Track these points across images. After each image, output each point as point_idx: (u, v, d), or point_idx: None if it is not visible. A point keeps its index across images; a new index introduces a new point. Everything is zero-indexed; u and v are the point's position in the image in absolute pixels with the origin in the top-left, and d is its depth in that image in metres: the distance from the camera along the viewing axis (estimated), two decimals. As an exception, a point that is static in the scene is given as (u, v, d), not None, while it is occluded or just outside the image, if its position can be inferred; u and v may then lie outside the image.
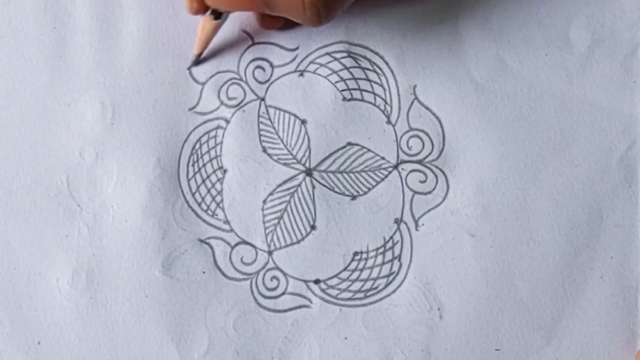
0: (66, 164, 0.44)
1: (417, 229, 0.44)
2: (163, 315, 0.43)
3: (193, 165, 0.44)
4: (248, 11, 0.41)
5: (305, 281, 0.44)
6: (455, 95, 0.44)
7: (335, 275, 0.44)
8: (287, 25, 0.44)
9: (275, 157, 0.44)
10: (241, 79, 0.45)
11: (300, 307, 0.43)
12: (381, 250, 0.44)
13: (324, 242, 0.44)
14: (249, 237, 0.44)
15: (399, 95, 0.44)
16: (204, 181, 0.44)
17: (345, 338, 0.43)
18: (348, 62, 0.44)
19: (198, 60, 0.44)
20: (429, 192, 0.44)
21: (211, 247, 0.44)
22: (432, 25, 0.44)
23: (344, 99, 0.44)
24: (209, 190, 0.44)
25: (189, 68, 0.44)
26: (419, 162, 0.44)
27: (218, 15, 0.42)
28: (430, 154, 0.44)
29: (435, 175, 0.44)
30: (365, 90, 0.44)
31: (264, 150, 0.44)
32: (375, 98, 0.44)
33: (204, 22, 0.42)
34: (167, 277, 0.43)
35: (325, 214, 0.44)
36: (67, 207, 0.43)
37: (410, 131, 0.44)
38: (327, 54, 0.45)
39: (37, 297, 0.43)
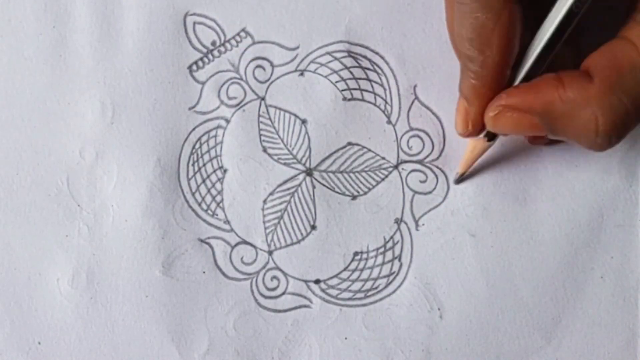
0: (66, 164, 0.44)
1: (417, 229, 0.44)
2: (163, 315, 0.43)
3: (193, 164, 0.44)
4: (530, 135, 0.40)
5: (306, 281, 0.44)
6: (456, 95, 0.44)
7: (336, 275, 0.44)
8: (554, 141, 0.43)
9: (276, 157, 0.44)
10: (241, 79, 0.44)
11: (300, 307, 0.43)
12: (381, 250, 0.44)
13: (324, 242, 0.44)
14: (249, 237, 0.44)
15: (399, 95, 0.44)
16: (204, 181, 0.44)
17: (346, 338, 0.43)
18: (348, 61, 0.44)
19: (462, 179, 0.44)
20: (429, 192, 0.44)
21: (211, 247, 0.44)
22: (432, 25, 0.44)
23: (345, 98, 0.44)
24: (209, 190, 0.44)
25: (455, 184, 0.44)
26: (420, 162, 0.44)
27: (492, 137, 0.41)
28: (430, 153, 0.44)
29: (436, 175, 0.44)
30: (366, 90, 0.44)
31: (264, 150, 0.44)
32: (375, 98, 0.44)
33: (475, 143, 0.42)
34: (167, 277, 0.43)
35: (325, 214, 0.44)
36: (67, 207, 0.43)
37: (411, 131, 0.44)
38: (328, 53, 0.44)
39: (38, 297, 0.43)
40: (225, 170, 0.44)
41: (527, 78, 0.39)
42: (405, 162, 0.44)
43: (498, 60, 0.38)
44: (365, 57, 0.44)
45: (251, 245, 0.44)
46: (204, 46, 0.44)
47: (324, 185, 0.44)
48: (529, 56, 0.39)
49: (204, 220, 0.44)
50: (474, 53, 0.38)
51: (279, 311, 0.43)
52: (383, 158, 0.44)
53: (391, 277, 0.44)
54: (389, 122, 0.44)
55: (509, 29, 0.37)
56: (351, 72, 0.44)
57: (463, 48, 0.38)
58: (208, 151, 0.44)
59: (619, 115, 0.36)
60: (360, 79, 0.44)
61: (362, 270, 0.44)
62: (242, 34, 0.45)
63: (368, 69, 0.44)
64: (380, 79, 0.44)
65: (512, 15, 0.37)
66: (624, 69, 0.36)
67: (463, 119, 0.40)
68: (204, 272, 0.43)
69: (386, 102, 0.44)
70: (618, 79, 0.36)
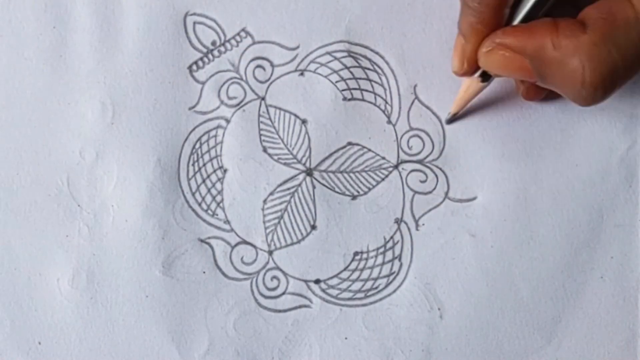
0: (66, 164, 0.44)
1: (417, 229, 0.44)
2: (163, 315, 0.43)
3: (193, 164, 0.44)
4: (520, 78, 0.40)
5: (306, 281, 0.44)
6: (456, 94, 0.44)
7: (336, 275, 0.44)
8: (550, 96, 0.43)
9: (276, 157, 0.44)
10: (241, 79, 0.44)
11: (300, 307, 0.43)
12: (381, 250, 0.44)
13: (324, 242, 0.44)
14: (249, 237, 0.44)
15: (399, 94, 0.44)
16: (204, 181, 0.44)
17: (346, 338, 0.43)
18: (348, 61, 0.44)
19: (453, 119, 0.44)
20: (430, 192, 0.44)
21: (211, 247, 0.44)
22: (432, 25, 0.44)
23: (345, 98, 0.44)
24: (209, 190, 0.44)
25: (446, 123, 0.44)
26: (420, 161, 0.44)
27: (486, 77, 0.41)
28: (430, 153, 0.44)
29: (436, 175, 0.44)
30: (366, 90, 0.44)
31: (265, 150, 0.44)
32: (375, 98, 0.44)
33: (469, 83, 0.42)
34: (168, 277, 0.43)
35: (325, 214, 0.44)
36: (67, 207, 0.43)
37: (411, 131, 0.44)
38: (328, 53, 0.44)
39: (38, 297, 0.43)
40: (225, 170, 0.44)
41: (526, 20, 0.39)
42: (406, 162, 0.44)
43: None
44: (365, 57, 0.44)
45: (251, 245, 0.44)
46: (204, 46, 0.44)
47: (324, 185, 0.44)
48: None
49: (204, 220, 0.44)
50: None
51: (279, 311, 0.43)
52: (383, 158, 0.44)
53: (391, 277, 0.44)
54: (389, 122, 0.44)
55: None
56: (351, 72, 0.44)
57: None
58: (208, 151, 0.44)
59: (607, 68, 0.36)
60: (360, 79, 0.44)
61: (362, 270, 0.44)
62: (242, 33, 0.45)
63: (368, 69, 0.44)
64: (380, 79, 0.44)
65: None
66: (617, 22, 0.36)
67: (459, 57, 0.41)
68: (204, 272, 0.43)
69: (386, 102, 0.44)
70: (610, 31, 0.36)
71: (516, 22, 0.39)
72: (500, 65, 0.39)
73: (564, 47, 0.36)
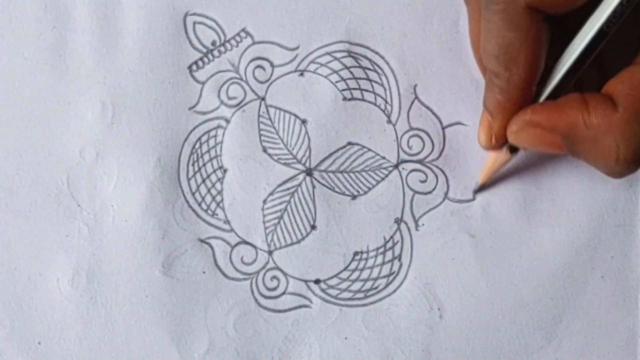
0: (66, 164, 0.44)
1: (417, 229, 0.44)
2: (163, 315, 0.43)
3: (193, 164, 0.44)
4: (551, 152, 0.40)
5: (306, 281, 0.44)
6: (456, 95, 0.44)
7: (336, 275, 0.44)
8: None
9: (276, 157, 0.44)
10: (241, 79, 0.44)
11: (300, 307, 0.43)
12: (381, 250, 0.44)
13: (324, 242, 0.44)
14: (249, 237, 0.44)
15: (399, 94, 0.44)
16: (204, 181, 0.44)
17: (346, 338, 0.43)
18: (348, 61, 0.44)
19: (480, 189, 0.44)
20: (430, 192, 0.44)
21: (211, 247, 0.44)
22: (432, 25, 0.44)
23: (345, 98, 0.44)
24: (209, 190, 0.44)
25: (474, 193, 0.44)
26: (420, 161, 0.44)
27: (515, 150, 0.41)
28: (430, 153, 0.44)
29: (436, 175, 0.44)
30: (366, 90, 0.44)
31: (264, 150, 0.44)
32: (375, 98, 0.44)
33: (497, 155, 0.42)
34: (168, 277, 0.43)
35: (325, 214, 0.44)
36: (67, 207, 0.43)
37: (411, 131, 0.44)
38: (328, 53, 0.44)
39: (38, 297, 0.43)
40: (225, 170, 0.44)
41: (553, 95, 0.39)
42: (406, 161, 0.44)
43: (524, 77, 0.38)
44: (365, 57, 0.44)
45: (251, 245, 0.44)
46: (204, 46, 0.44)
47: (324, 185, 0.44)
48: (556, 73, 0.39)
49: (204, 220, 0.44)
50: (500, 69, 0.38)
51: (279, 311, 0.43)
52: (383, 158, 0.44)
53: (391, 277, 0.44)
54: (389, 121, 0.44)
55: (535, 47, 0.37)
56: (351, 72, 0.44)
57: (489, 64, 0.38)
58: (208, 151, 0.44)
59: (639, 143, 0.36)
60: (360, 78, 0.44)
61: (362, 270, 0.44)
62: (242, 34, 0.45)
63: (368, 68, 0.44)
64: (380, 78, 0.44)
65: (539, 34, 0.37)
66: None
67: (486, 133, 0.40)
68: (204, 272, 0.43)
69: (386, 102, 0.44)
70: None
71: (543, 98, 0.39)
72: (532, 142, 0.39)
73: (597, 126, 0.36)
